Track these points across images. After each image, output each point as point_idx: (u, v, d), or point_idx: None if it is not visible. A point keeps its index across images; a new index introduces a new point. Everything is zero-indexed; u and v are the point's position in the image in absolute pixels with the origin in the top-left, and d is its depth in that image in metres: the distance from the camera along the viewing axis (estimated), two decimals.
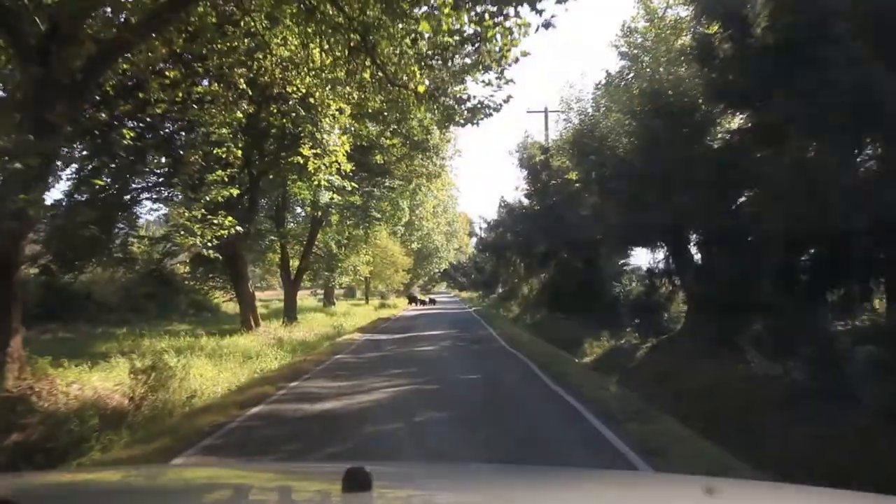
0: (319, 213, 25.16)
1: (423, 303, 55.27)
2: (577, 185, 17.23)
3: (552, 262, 23.62)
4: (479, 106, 10.62)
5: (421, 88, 10.08)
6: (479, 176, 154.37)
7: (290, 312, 25.22)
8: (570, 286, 21.52)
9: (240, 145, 13.52)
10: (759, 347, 10.35)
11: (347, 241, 30.92)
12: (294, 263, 26.88)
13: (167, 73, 11.16)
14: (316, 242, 26.95)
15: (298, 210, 29.09)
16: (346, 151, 13.69)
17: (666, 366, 11.87)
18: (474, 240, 64.69)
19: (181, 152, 12.11)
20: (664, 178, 10.42)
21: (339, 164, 13.56)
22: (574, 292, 20.92)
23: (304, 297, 37.92)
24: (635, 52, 12.90)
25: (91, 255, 19.81)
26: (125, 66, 10.35)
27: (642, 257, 37.07)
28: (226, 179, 12.61)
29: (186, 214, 11.37)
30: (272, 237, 25.60)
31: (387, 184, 22.46)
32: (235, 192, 12.36)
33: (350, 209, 25.68)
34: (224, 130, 12.61)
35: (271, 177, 21.38)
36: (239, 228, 12.76)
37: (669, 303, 14.69)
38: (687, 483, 2.54)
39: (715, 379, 9.88)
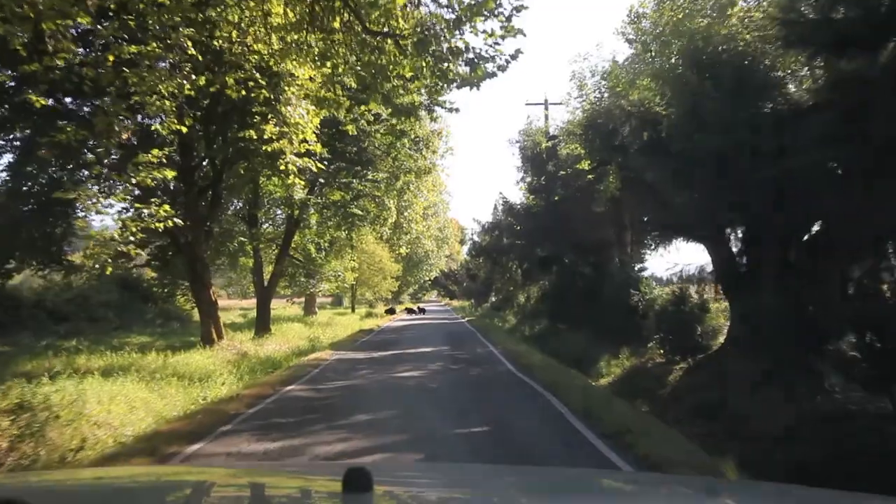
0: (296, 212, 22.63)
1: (411, 311, 52.72)
2: (590, 176, 14.73)
3: (554, 267, 21.13)
4: (478, 59, 8.17)
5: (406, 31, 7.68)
6: (472, 182, 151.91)
7: (262, 323, 22.65)
8: (575, 294, 19.05)
9: (186, 122, 10.97)
10: (848, 372, 7.88)
11: (329, 245, 28.39)
12: (270, 269, 24.36)
13: (79, 18, 8.68)
14: (294, 246, 24.40)
15: (279, 213, 26.54)
16: (316, 128, 11.19)
17: (714, 394, 9.39)
18: (466, 247, 62.33)
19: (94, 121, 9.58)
20: (721, 153, 7.98)
21: (308, 142, 11.07)
22: (580, 301, 18.45)
23: (285, 307, 35.29)
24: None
25: (27, 256, 17.29)
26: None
27: (656, 263, 34.70)
28: (163, 161, 10.05)
29: (96, 200, 8.85)
30: (242, 239, 23.07)
31: (370, 176, 19.91)
32: (171, 174, 9.79)
33: (330, 208, 23.16)
34: (166, 102, 10.19)
35: (242, 171, 18.95)
36: (178, 221, 10.22)
37: (704, 313, 12.24)
38: (687, 483, 2.63)
39: (797, 418, 7.40)
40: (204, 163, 17.72)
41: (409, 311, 52.98)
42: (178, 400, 9.69)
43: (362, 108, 11.69)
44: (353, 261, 37.56)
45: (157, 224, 9.86)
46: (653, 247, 17.61)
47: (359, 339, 23.65)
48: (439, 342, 21.19)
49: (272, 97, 10.57)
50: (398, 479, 2.44)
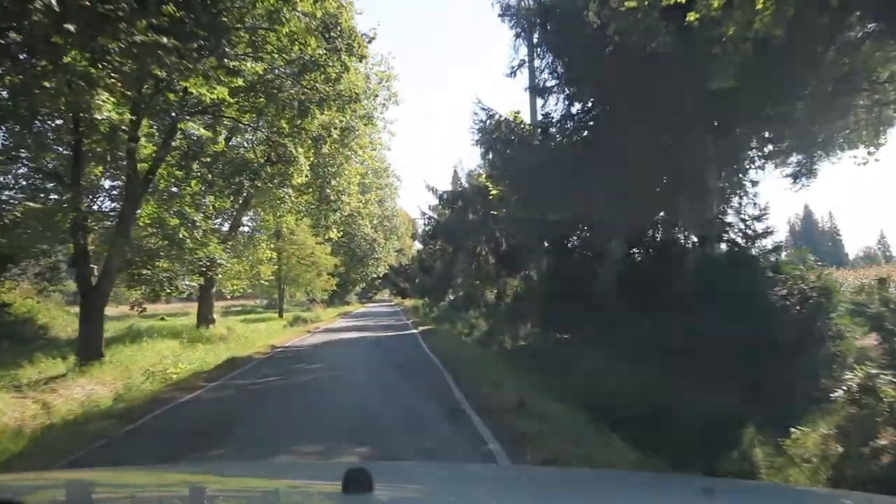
0: (137, 161, 13.85)
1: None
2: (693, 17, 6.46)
3: (571, 241, 12.57)
4: None
5: None
6: (423, 169, 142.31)
7: (89, 345, 13.81)
8: (611, 284, 10.81)
9: None
10: None
11: (212, 221, 19.55)
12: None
13: None
14: (148, 221, 15.52)
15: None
16: None
17: None
18: (418, 244, 53.48)
19: None
20: None
21: None
22: (625, 294, 10.24)
23: (164, 317, 26.22)
24: None
25: None
26: None
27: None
28: None
29: None
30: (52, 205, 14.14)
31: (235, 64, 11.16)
32: None
33: (196, 153, 14.47)
34: None
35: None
36: None
37: None
38: (686, 483, 2.54)
39: None
40: None
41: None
42: None
43: None
44: (271, 250, 28.69)
45: None
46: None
47: (218, 377, 13.19)
48: (358, 396, 10.22)
49: None
50: (398, 479, 2.41)
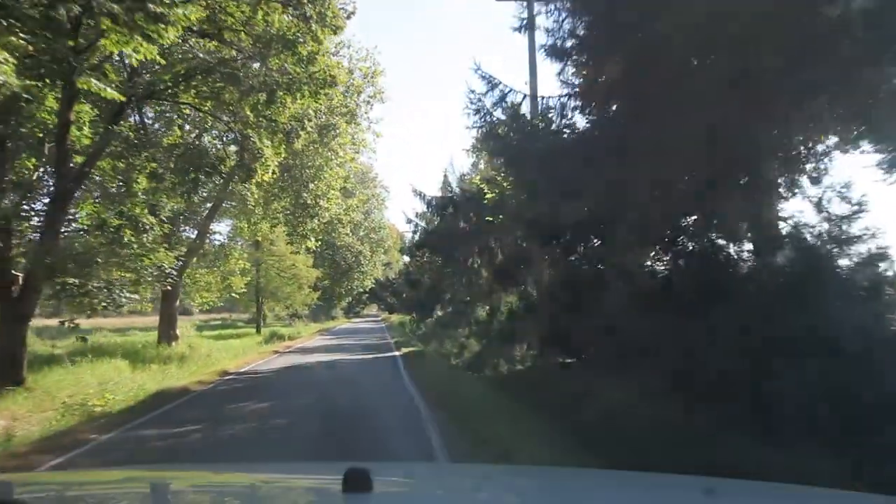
0: (71, 152, 11.70)
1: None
2: None
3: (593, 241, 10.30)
4: None
5: None
6: (411, 178, 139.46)
7: (3, 366, 11.54)
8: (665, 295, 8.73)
9: None
10: None
11: (177, 227, 17.36)
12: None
13: None
14: (85, 222, 13.29)
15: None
16: None
17: None
18: (406, 257, 51.12)
19: None
20: None
21: None
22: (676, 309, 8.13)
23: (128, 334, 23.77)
24: None
25: None
26: None
27: None
28: None
29: None
30: None
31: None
32: None
33: (144, 144, 12.32)
34: None
35: None
36: None
37: None
38: (686, 483, 2.51)
39: None
40: None
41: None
42: None
43: None
44: (242, 261, 26.41)
45: None
46: None
47: (136, 416, 10.13)
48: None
49: None
50: (398, 479, 2.42)
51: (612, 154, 7.70)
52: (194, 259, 23.62)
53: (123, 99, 12.00)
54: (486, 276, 19.88)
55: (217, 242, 25.20)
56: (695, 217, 9.04)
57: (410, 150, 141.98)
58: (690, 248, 9.58)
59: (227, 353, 21.04)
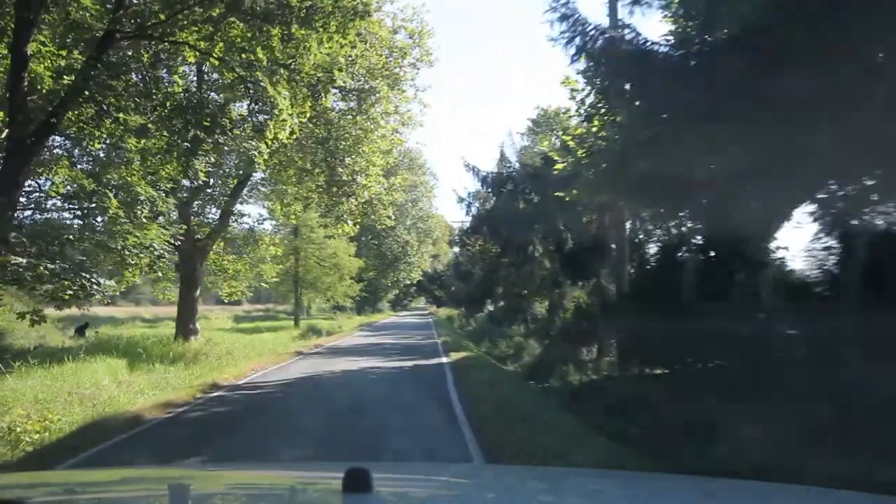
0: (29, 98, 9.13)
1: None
2: None
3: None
4: None
5: None
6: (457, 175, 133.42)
7: None
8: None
9: None
10: None
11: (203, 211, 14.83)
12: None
13: None
14: (60, 189, 10.75)
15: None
16: None
17: None
18: (456, 249, 47.95)
19: None
20: None
21: None
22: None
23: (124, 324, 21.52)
24: None
25: None
26: None
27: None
28: None
29: None
30: None
31: None
32: None
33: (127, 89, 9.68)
34: None
35: None
36: None
37: None
38: (686, 483, 2.49)
39: None
40: None
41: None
42: None
43: None
44: (274, 247, 23.86)
45: None
46: None
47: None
48: None
49: None
50: (398, 479, 2.41)
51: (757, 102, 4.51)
52: (220, 244, 21.23)
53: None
54: (549, 265, 16.67)
55: (246, 226, 22.67)
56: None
57: (461, 124, 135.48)
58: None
59: (250, 350, 18.43)
